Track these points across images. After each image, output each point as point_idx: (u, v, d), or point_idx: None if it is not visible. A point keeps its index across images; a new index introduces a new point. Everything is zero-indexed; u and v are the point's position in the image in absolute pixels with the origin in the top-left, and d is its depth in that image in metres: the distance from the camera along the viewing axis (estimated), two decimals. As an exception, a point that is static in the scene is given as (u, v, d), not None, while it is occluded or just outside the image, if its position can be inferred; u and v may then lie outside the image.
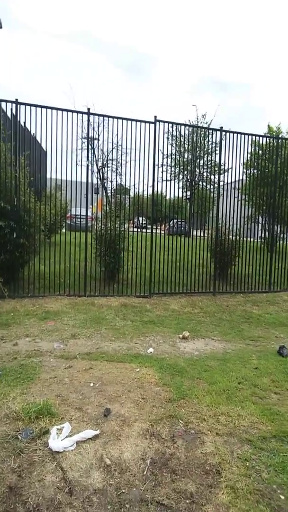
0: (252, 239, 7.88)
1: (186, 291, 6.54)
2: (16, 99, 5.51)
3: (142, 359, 3.52)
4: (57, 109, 5.70)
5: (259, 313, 5.76)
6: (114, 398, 2.77)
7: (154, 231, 6.38)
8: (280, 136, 10.63)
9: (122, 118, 6.06)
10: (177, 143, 8.18)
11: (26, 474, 2.03)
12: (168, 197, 7.04)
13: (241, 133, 6.93)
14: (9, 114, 5.67)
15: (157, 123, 6.25)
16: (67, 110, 5.75)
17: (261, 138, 7.59)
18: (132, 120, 6.11)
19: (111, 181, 7.53)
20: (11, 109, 5.55)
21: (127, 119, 6.07)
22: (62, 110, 5.72)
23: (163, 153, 6.66)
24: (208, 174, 11.49)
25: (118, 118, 6.04)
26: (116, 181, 6.95)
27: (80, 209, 6.32)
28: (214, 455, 2.22)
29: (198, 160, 9.58)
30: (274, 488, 1.99)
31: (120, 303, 5.53)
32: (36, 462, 2.11)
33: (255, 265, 7.12)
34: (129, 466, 2.11)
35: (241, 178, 7.76)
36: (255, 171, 8.24)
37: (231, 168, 6.92)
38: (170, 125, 6.53)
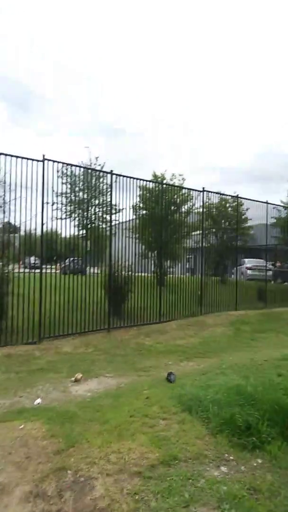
0: (145, 274, 8.43)
1: (81, 331, 6.40)
2: None
3: (28, 413, 3.20)
4: None
5: (151, 344, 6.07)
6: (-9, 466, 2.41)
7: (46, 270, 6.17)
8: (164, 182, 12.09)
9: (7, 155, 5.82)
10: (70, 182, 8.35)
11: None
12: (63, 235, 6.98)
13: (130, 177, 7.55)
14: None
15: (46, 161, 6.26)
16: None
17: (148, 183, 8.48)
18: (18, 157, 5.92)
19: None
20: None
21: (12, 156, 5.85)
22: None
23: (54, 191, 6.64)
24: (102, 213, 12.01)
25: (2, 154, 5.79)
26: (1, 219, 6.46)
27: None
28: (104, 497, 2.14)
29: (92, 200, 9.97)
30: (161, 515, 2.03)
31: (2, 354, 5.00)
32: None
33: (147, 298, 7.56)
34: None
35: (132, 218, 8.40)
36: (144, 212, 9.07)
37: (124, 208, 7.42)
38: (61, 164, 6.63)
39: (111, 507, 2.06)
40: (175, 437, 2.86)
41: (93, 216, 11.55)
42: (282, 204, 12.23)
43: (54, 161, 6.45)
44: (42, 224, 6.20)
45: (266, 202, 10.86)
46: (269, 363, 4.50)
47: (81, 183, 7.98)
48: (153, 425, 3.08)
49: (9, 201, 6.09)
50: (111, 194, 7.32)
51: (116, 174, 7.41)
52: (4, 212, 6.41)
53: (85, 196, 8.57)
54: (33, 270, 6.52)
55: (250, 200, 10.49)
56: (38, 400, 3.54)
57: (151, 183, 8.78)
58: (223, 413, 3.09)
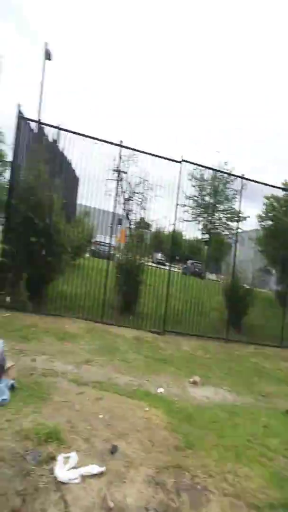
0: (263, 290, 7.85)
1: (199, 334, 6.47)
2: (59, 125, 5.76)
3: (152, 399, 3.48)
4: (92, 137, 5.80)
5: (270, 368, 5.64)
6: (121, 435, 2.73)
7: (171, 269, 6.47)
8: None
9: (150, 154, 6.18)
10: (199, 185, 8.45)
11: (30, 500, 2.01)
12: (187, 237, 7.16)
13: (261, 183, 6.99)
14: (50, 138, 5.95)
15: (183, 163, 6.34)
16: (101, 140, 5.88)
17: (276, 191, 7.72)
18: (159, 156, 6.22)
19: (135, 214, 7.65)
20: (53, 133, 5.84)
21: (154, 155, 6.19)
22: (97, 139, 5.83)
23: (184, 193, 6.77)
24: (226, 219, 11.65)
25: (146, 153, 6.17)
26: (140, 214, 7.11)
27: (105, 237, 6.51)
28: (220, 517, 2.14)
29: (217, 205, 9.82)
30: None
31: (133, 335, 5.55)
32: (41, 488, 2.09)
33: (267, 317, 7.04)
34: (132, 513, 2.06)
35: (256, 228, 7.86)
36: (270, 222, 8.37)
37: (248, 216, 7.05)
38: (193, 167, 6.69)
39: (228, 529, 2.05)
40: (298, 482, 2.60)
41: (217, 221, 11.33)
42: None
43: (190, 163, 6.43)
44: (174, 224, 6.44)
45: None
46: None
47: (208, 187, 7.88)
48: (272, 459, 2.89)
49: (149, 198, 6.57)
50: (240, 200, 6.96)
51: (247, 179, 6.94)
52: (144, 209, 6.97)
53: (211, 200, 8.49)
54: (158, 266, 6.94)
55: None
56: (161, 389, 3.80)
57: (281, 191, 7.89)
58: None
